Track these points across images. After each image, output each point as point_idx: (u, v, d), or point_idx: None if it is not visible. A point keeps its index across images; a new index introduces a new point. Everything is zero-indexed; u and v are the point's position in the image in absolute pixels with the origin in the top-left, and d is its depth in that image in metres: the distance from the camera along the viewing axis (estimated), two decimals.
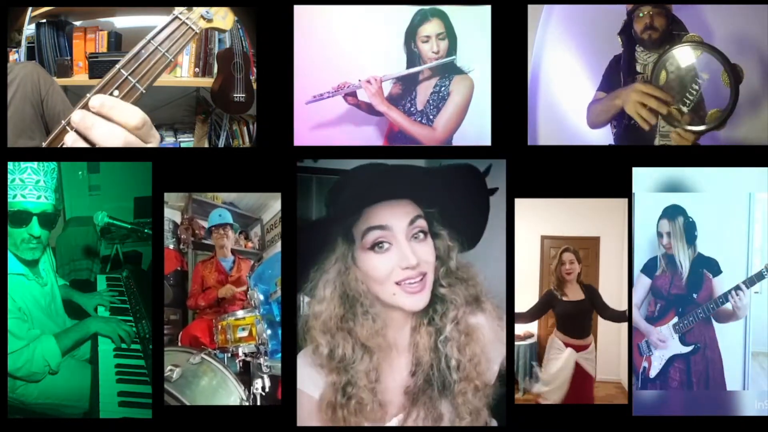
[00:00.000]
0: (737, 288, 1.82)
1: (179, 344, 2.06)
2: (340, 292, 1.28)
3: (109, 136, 1.26)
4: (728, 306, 1.83)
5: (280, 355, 1.82)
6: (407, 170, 1.31)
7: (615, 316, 1.95)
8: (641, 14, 1.89)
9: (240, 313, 1.96)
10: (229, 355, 1.93)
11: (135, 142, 1.28)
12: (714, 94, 1.84)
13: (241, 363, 1.93)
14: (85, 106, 1.27)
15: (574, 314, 2.01)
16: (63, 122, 1.30)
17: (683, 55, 1.84)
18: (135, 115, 1.28)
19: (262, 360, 1.88)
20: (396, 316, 1.31)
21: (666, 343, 1.87)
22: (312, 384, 1.31)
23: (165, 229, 2.08)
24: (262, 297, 1.95)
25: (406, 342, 1.32)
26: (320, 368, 1.29)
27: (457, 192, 1.34)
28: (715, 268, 1.86)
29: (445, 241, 1.32)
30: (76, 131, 1.27)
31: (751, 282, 1.82)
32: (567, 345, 2.01)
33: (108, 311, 2.11)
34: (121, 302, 2.17)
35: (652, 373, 1.88)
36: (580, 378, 1.99)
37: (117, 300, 2.15)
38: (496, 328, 1.37)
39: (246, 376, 1.91)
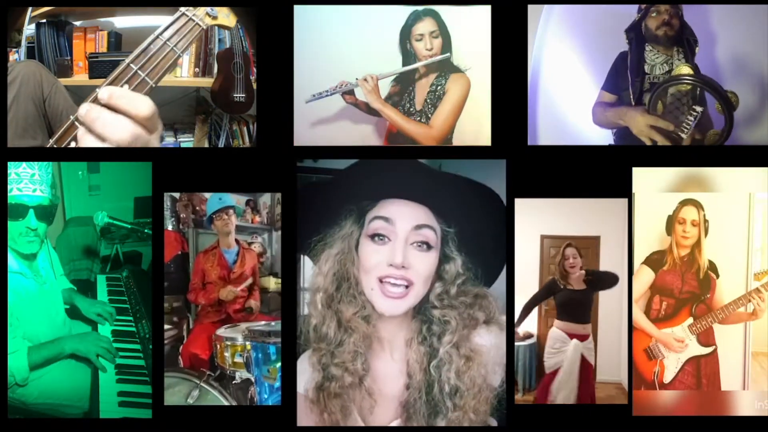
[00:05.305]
0: (757, 291, 1.81)
1: (180, 364, 2.00)
2: (335, 269, 1.30)
3: (114, 128, 1.23)
4: (742, 310, 1.82)
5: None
6: (426, 170, 1.34)
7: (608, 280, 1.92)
8: (654, 14, 1.91)
9: (240, 340, 1.93)
10: (227, 374, 1.91)
11: (141, 133, 1.25)
12: (712, 116, 1.89)
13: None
14: (94, 100, 1.26)
15: (576, 300, 1.97)
16: (71, 117, 1.29)
17: (676, 90, 1.88)
18: (144, 104, 1.25)
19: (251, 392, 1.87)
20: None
21: (684, 345, 1.86)
22: (304, 383, 1.32)
23: (163, 207, 2.02)
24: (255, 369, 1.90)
25: (401, 350, 1.32)
26: (308, 348, 1.31)
27: (475, 214, 1.32)
28: (715, 270, 1.86)
29: (457, 267, 1.30)
30: (82, 124, 1.25)
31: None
32: (569, 335, 1.97)
33: (108, 321, 2.06)
34: (121, 303, 2.16)
35: (667, 378, 1.86)
36: (584, 372, 1.96)
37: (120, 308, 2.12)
38: (503, 349, 1.36)
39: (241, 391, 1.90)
